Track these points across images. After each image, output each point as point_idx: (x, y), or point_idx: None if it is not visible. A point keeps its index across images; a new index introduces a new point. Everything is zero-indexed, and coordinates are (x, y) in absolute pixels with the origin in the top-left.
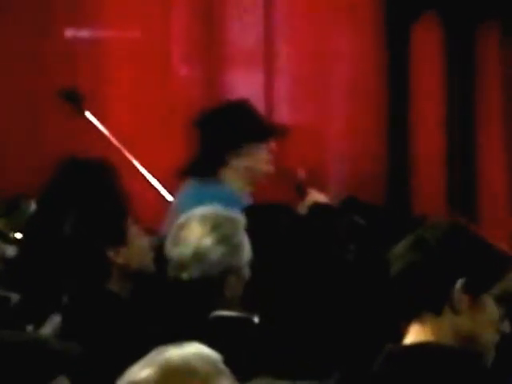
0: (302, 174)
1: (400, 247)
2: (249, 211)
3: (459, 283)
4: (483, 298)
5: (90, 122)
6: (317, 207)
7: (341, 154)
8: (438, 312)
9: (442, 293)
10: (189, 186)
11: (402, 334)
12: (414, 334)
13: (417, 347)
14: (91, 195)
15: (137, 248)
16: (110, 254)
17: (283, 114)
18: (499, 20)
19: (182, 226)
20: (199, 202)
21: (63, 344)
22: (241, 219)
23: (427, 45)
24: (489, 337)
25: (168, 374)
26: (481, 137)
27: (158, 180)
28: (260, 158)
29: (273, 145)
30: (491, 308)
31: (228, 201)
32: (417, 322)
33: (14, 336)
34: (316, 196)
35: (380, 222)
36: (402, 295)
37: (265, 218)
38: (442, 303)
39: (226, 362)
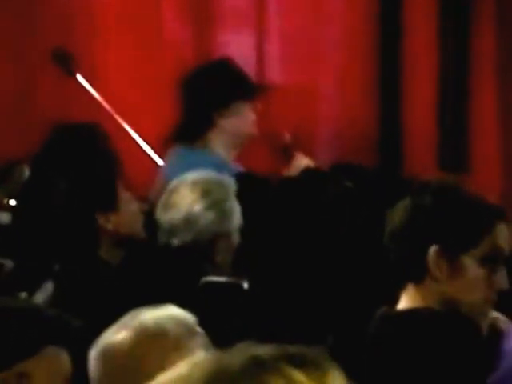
0: (288, 137)
1: (392, 212)
2: (239, 177)
3: (432, 249)
4: (463, 262)
5: (81, 86)
6: (307, 171)
7: (332, 115)
8: (417, 280)
9: (419, 261)
10: (177, 152)
11: (395, 299)
12: (403, 301)
13: (408, 311)
14: (83, 160)
15: (127, 214)
16: (101, 220)
17: (274, 75)
18: None
19: (172, 192)
20: (187, 167)
21: (59, 313)
22: (231, 184)
23: (421, 2)
24: (474, 299)
25: (141, 337)
26: (474, 97)
27: (149, 144)
28: (246, 118)
29: (259, 105)
30: (473, 270)
31: (217, 166)
32: (404, 289)
33: (9, 301)
34: (302, 160)
35: (371, 185)
36: (388, 263)
37: (255, 184)
38: (420, 271)
39: (215, 326)
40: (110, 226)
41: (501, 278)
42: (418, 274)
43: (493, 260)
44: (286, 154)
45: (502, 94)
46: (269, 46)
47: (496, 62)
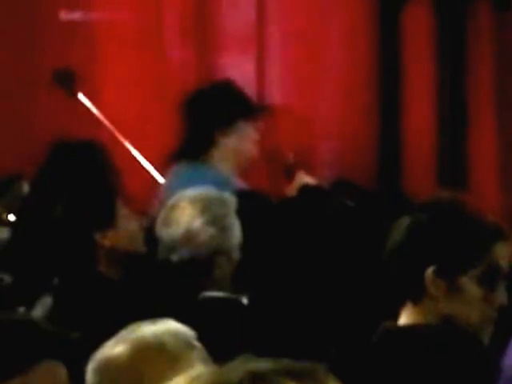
0: (291, 157)
1: (391, 230)
2: (240, 194)
3: (430, 270)
4: (461, 282)
5: (83, 104)
6: (307, 189)
7: (332, 137)
8: (416, 300)
9: (417, 281)
10: (178, 169)
11: (395, 314)
12: (402, 319)
13: (409, 327)
14: (81, 177)
15: (125, 231)
16: (98, 237)
17: (275, 98)
18: (491, 0)
19: (172, 207)
20: (189, 184)
21: (56, 327)
22: (231, 201)
23: (419, 25)
24: (473, 317)
25: (140, 351)
26: (473, 116)
27: (149, 162)
28: (248, 138)
29: (260, 124)
30: (471, 290)
31: (218, 182)
32: (404, 306)
33: (5, 315)
34: (305, 179)
35: (371, 203)
36: (386, 282)
37: (255, 201)
38: (418, 291)
39: (214, 341)
40: (107, 243)
41: (500, 295)
42: (416, 294)
43: (491, 279)
44: (289, 173)
45: (500, 113)
46: (269, 68)
47: (494, 83)
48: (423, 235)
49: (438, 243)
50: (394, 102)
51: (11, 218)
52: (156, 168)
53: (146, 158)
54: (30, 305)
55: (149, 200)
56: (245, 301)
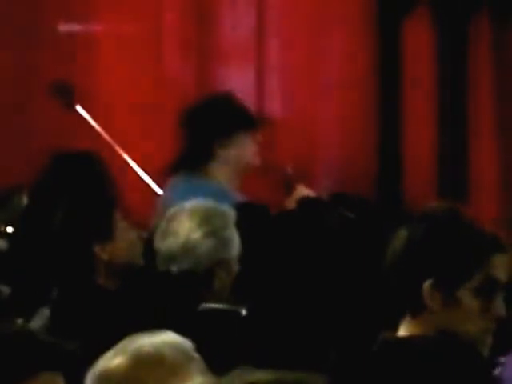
0: (290, 169)
1: (390, 242)
2: (239, 206)
3: (427, 283)
4: (458, 294)
5: (81, 116)
6: (306, 201)
7: (332, 148)
8: (414, 312)
9: (414, 293)
10: (177, 180)
11: (395, 324)
12: (401, 330)
13: (408, 338)
14: (80, 189)
15: (123, 244)
16: (96, 249)
17: (274, 109)
18: (490, 14)
19: (171, 219)
20: (188, 195)
21: (54, 338)
22: (230, 213)
23: (419, 38)
24: (471, 330)
25: (138, 362)
26: (473, 129)
27: (148, 174)
28: (247, 149)
29: (259, 136)
30: (468, 302)
31: (216, 194)
32: (403, 317)
33: (2, 327)
34: (304, 192)
35: (371, 215)
36: (386, 294)
37: (254, 213)
38: (416, 303)
39: (212, 353)
40: (105, 256)
41: (498, 307)
42: (414, 306)
43: (489, 291)
44: (288, 186)
45: (501, 114)
46: (269, 80)
47: (494, 85)
48: (420, 248)
49: (435, 256)
50: (395, 113)
51: (9, 229)
52: (154, 180)
53: (144, 169)
54: (29, 316)
55: (147, 212)
56: (244, 312)
